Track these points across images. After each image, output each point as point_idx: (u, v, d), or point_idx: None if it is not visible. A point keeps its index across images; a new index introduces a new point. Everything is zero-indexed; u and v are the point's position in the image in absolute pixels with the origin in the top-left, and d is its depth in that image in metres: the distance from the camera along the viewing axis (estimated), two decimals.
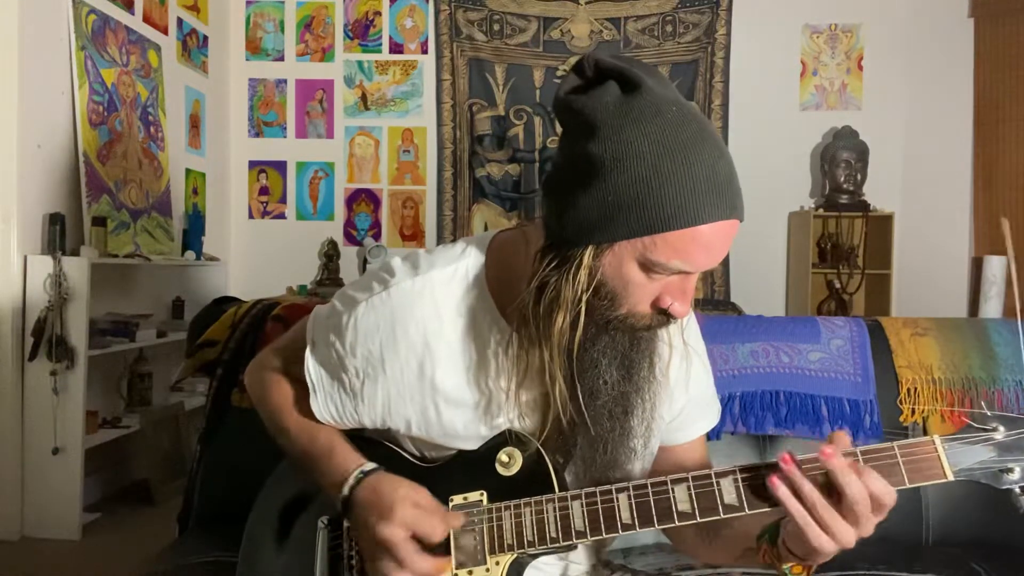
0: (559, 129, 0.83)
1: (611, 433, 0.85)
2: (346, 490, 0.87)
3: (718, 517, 0.80)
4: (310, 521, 0.96)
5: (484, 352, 0.89)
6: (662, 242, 0.75)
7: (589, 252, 0.77)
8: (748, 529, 0.85)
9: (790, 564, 0.81)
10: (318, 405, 0.95)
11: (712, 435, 1.06)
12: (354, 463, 0.89)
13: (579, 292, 0.78)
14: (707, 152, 0.74)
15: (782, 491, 0.75)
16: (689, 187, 0.73)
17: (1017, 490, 0.75)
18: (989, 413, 0.77)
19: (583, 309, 0.78)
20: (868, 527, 0.74)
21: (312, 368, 0.94)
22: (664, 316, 0.81)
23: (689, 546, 0.98)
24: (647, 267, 0.77)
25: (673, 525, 0.81)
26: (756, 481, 0.79)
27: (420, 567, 0.82)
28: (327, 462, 0.91)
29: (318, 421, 0.96)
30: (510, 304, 0.85)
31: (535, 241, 0.84)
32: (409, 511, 0.82)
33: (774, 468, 0.79)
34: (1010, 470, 0.74)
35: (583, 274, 0.78)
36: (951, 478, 0.75)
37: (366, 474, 0.87)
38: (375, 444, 0.98)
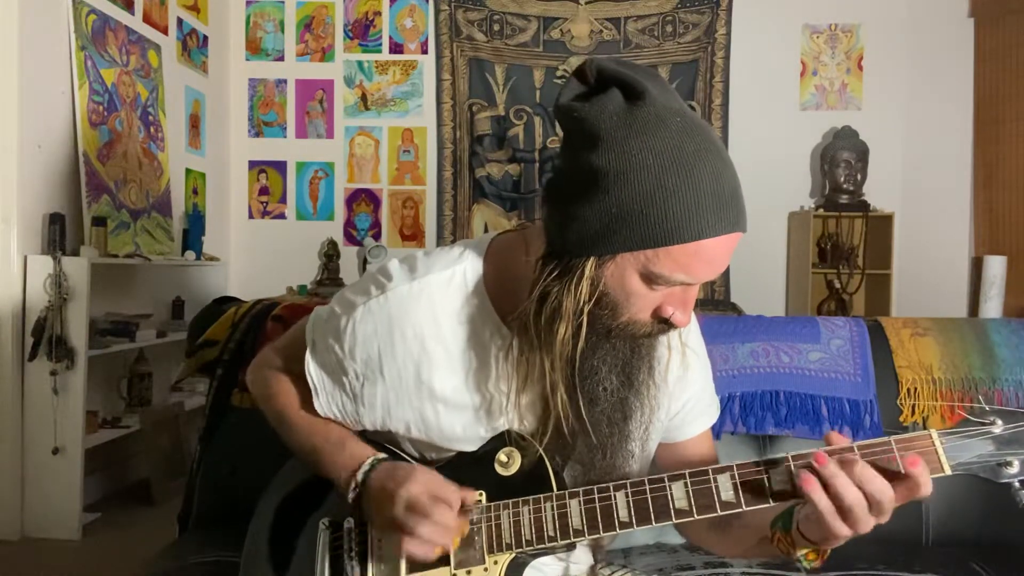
0: (560, 132, 0.83)
1: (610, 438, 0.85)
2: (360, 475, 0.88)
3: (715, 514, 0.80)
4: (312, 523, 0.96)
5: (484, 357, 0.89)
6: (665, 255, 0.74)
7: (591, 263, 0.77)
8: (761, 519, 0.85)
9: (804, 551, 0.81)
10: (321, 405, 0.95)
11: (712, 435, 1.06)
12: (367, 453, 0.91)
13: (581, 303, 0.78)
14: (711, 165, 0.74)
15: (811, 484, 0.74)
16: (693, 201, 0.73)
17: (1016, 484, 0.75)
18: (987, 407, 0.77)
19: (585, 320, 0.78)
20: (883, 518, 0.75)
21: (313, 370, 0.95)
22: (665, 324, 0.81)
23: (703, 539, 0.99)
24: (649, 279, 0.77)
25: (671, 522, 0.81)
26: (754, 477, 0.79)
27: (446, 518, 0.82)
28: (338, 454, 0.92)
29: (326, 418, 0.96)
30: (509, 308, 0.85)
31: (535, 246, 0.83)
32: (429, 477, 0.84)
33: (770, 464, 0.79)
34: (1008, 464, 0.74)
35: (585, 285, 0.78)
36: (948, 472, 0.75)
37: (379, 461, 0.89)
38: (375, 446, 0.98)
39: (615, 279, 0.77)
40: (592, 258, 0.77)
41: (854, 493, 0.73)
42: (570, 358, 0.81)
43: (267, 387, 1.04)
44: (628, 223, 0.74)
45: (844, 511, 0.73)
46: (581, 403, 0.82)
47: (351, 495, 0.89)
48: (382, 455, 0.91)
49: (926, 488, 0.73)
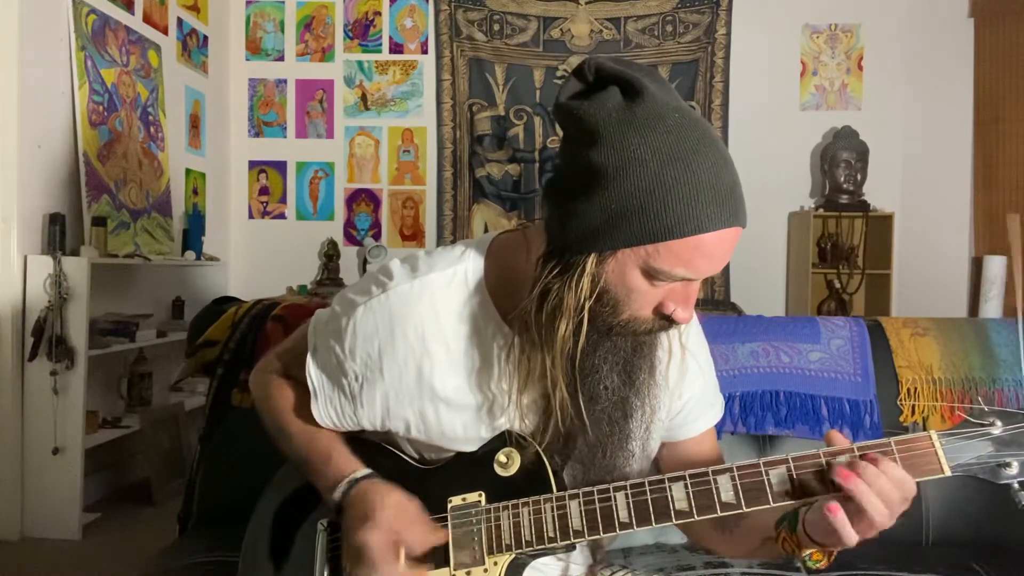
0: (560, 132, 0.83)
1: (610, 437, 0.85)
2: (338, 496, 0.88)
3: (715, 515, 0.80)
4: (311, 523, 0.96)
5: (486, 356, 0.89)
6: (665, 250, 0.74)
7: (592, 260, 0.77)
8: (766, 520, 0.85)
9: (810, 551, 0.81)
10: (318, 409, 0.95)
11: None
12: (347, 469, 0.90)
13: (582, 299, 0.78)
14: (710, 159, 0.74)
15: (839, 516, 0.74)
16: (692, 195, 0.73)
17: (1015, 485, 0.75)
18: (987, 408, 0.77)
19: (586, 316, 0.78)
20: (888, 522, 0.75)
21: (313, 373, 0.95)
22: (666, 321, 0.81)
23: (706, 539, 0.98)
24: (650, 274, 0.77)
25: (670, 523, 0.81)
26: (754, 478, 0.79)
27: (393, 574, 0.82)
28: (323, 467, 0.92)
29: (318, 425, 0.96)
30: (511, 308, 0.85)
31: (536, 245, 0.83)
32: (393, 519, 0.82)
33: (770, 465, 0.79)
34: (1008, 465, 0.74)
35: (586, 281, 0.77)
36: (948, 473, 0.75)
37: (356, 481, 0.88)
38: (374, 447, 0.98)
39: (616, 275, 0.77)
40: (593, 254, 0.77)
41: (891, 490, 0.74)
42: (571, 355, 0.81)
43: (265, 391, 1.04)
44: (628, 219, 0.74)
45: (857, 513, 0.74)
46: (581, 401, 0.82)
47: (334, 513, 0.89)
48: (359, 473, 0.89)
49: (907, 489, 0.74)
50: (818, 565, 0.82)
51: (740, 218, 0.77)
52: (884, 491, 0.73)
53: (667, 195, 0.73)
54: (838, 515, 0.74)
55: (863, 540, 0.76)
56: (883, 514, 0.74)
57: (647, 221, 0.73)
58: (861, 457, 0.76)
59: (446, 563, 0.86)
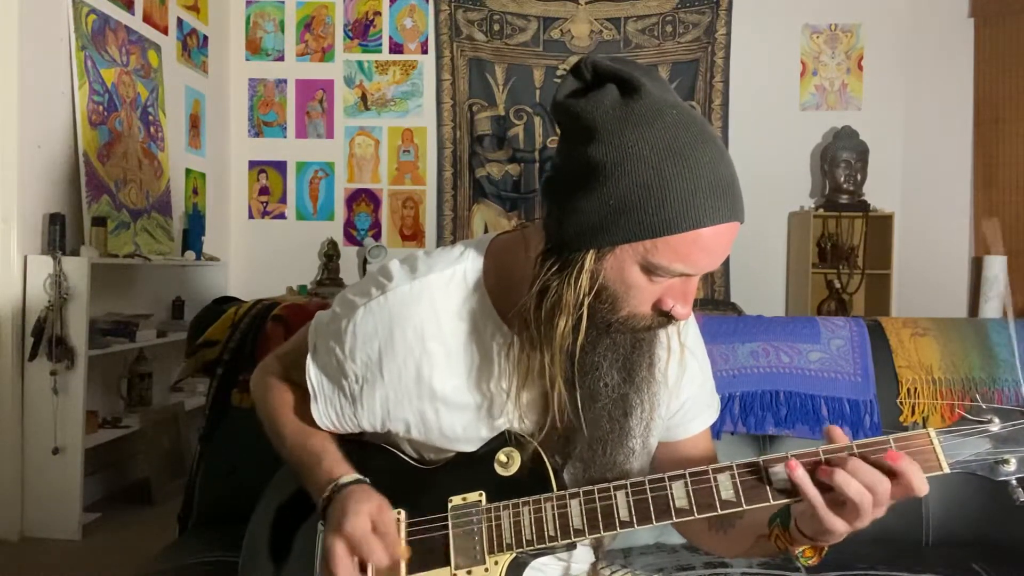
0: (558, 131, 0.83)
1: (610, 434, 0.85)
2: (322, 501, 0.87)
3: (716, 513, 0.80)
4: (310, 525, 0.95)
5: (485, 355, 0.89)
6: (663, 245, 0.75)
7: (590, 256, 0.77)
8: (760, 518, 0.85)
9: (802, 548, 0.81)
10: (318, 411, 0.95)
11: (712, 435, 1.06)
12: (335, 474, 0.89)
13: (580, 296, 0.78)
14: (708, 154, 0.74)
15: (799, 473, 0.75)
16: (690, 190, 0.73)
17: (1013, 481, 0.75)
18: (984, 406, 0.77)
19: (585, 313, 0.78)
20: (879, 511, 0.75)
21: (313, 374, 0.94)
22: (665, 317, 0.81)
23: (701, 539, 0.98)
24: (648, 270, 0.77)
25: (671, 522, 0.81)
26: (754, 476, 0.79)
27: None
28: (314, 470, 0.91)
29: (315, 427, 0.96)
30: (510, 307, 0.85)
31: (535, 244, 0.83)
32: (358, 527, 0.81)
33: (770, 463, 0.79)
34: (1006, 461, 0.75)
35: (584, 278, 0.77)
36: (947, 470, 0.75)
37: (340, 488, 0.87)
38: (373, 448, 0.98)
39: (614, 271, 0.77)
40: (591, 251, 0.77)
41: (855, 487, 0.73)
42: (570, 352, 0.81)
43: (264, 393, 1.03)
44: (626, 214, 0.74)
45: (840, 505, 0.74)
46: (580, 399, 0.82)
47: (321, 518, 0.89)
48: (344, 479, 0.88)
49: (918, 484, 0.73)
50: (810, 561, 0.82)
51: (738, 213, 0.77)
52: (850, 488, 0.73)
53: (664, 190, 0.73)
54: (796, 471, 0.75)
55: (852, 533, 0.77)
56: (861, 506, 0.74)
57: (645, 216, 0.73)
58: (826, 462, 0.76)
59: (447, 562, 0.86)
